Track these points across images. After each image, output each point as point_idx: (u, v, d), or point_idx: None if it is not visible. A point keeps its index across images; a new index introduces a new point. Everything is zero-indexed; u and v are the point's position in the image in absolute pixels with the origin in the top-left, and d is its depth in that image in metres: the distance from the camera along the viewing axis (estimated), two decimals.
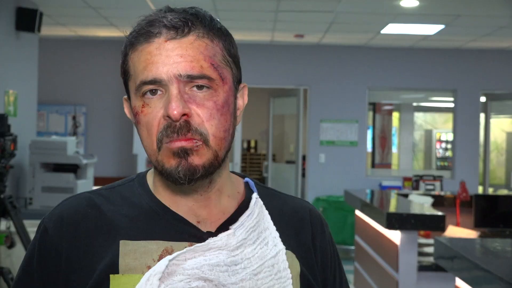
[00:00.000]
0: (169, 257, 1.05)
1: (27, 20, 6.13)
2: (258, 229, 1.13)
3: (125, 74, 1.12)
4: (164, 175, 1.08)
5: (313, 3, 6.78)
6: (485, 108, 10.32)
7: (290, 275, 1.12)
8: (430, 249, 3.82)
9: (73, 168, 6.01)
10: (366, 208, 4.15)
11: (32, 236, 4.87)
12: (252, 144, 14.85)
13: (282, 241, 1.14)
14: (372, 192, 5.00)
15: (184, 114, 1.04)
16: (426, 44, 9.18)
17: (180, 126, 1.04)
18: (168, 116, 1.04)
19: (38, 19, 6.20)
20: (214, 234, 1.10)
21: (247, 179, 1.22)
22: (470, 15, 7.16)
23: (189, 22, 1.08)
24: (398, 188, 8.89)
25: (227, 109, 1.09)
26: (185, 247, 1.08)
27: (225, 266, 1.07)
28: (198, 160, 1.06)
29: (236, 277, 1.07)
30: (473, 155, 9.64)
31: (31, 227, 5.25)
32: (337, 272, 1.25)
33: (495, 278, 1.88)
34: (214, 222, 1.13)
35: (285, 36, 8.73)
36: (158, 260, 1.06)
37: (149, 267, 1.06)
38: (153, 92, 1.07)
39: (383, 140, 12.12)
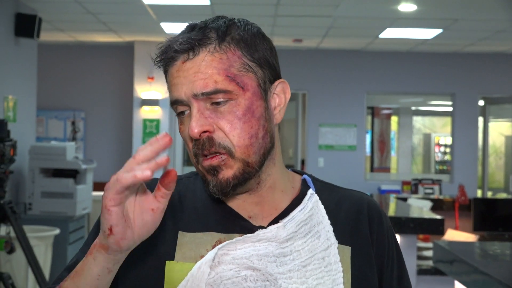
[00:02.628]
0: (219, 246, 1.10)
1: (26, 26, 6.14)
2: (311, 223, 1.17)
3: None
4: (205, 186, 1.15)
5: (311, 8, 6.80)
6: (483, 111, 10.34)
7: (341, 268, 1.15)
8: (429, 253, 3.83)
9: (73, 174, 6.01)
10: None
11: (31, 241, 4.88)
12: None
13: (337, 235, 1.17)
14: (371, 196, 5.00)
15: (205, 131, 1.10)
16: (424, 48, 9.20)
17: (203, 143, 1.10)
18: (190, 135, 1.10)
19: (37, 25, 6.21)
20: (266, 228, 1.14)
21: (305, 176, 1.26)
22: (468, 19, 7.18)
23: (196, 42, 1.11)
24: (397, 192, 8.89)
25: (250, 115, 1.11)
26: (229, 240, 1.12)
27: (273, 257, 1.11)
28: (227, 173, 1.11)
29: (284, 267, 1.11)
30: (471, 158, 9.65)
31: (31, 232, 5.25)
32: (395, 265, 1.25)
33: (494, 282, 1.89)
34: (266, 218, 1.17)
35: (283, 41, 8.75)
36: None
37: (202, 257, 1.11)
38: (183, 112, 1.13)
39: (381, 144, 12.14)
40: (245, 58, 1.13)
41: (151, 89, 8.94)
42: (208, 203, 1.18)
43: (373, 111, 11.99)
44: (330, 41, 8.75)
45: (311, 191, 1.21)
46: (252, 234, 1.12)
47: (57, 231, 5.56)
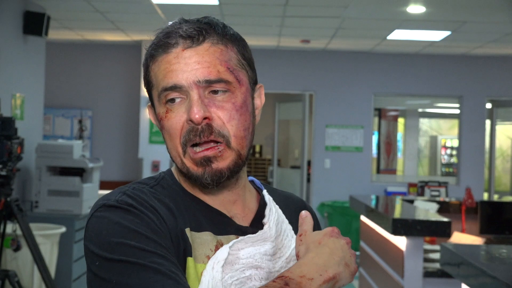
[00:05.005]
0: (228, 245, 1.12)
1: (34, 24, 6.16)
2: (280, 222, 1.23)
3: (148, 84, 1.19)
4: (191, 179, 1.14)
5: (319, 9, 6.79)
6: (490, 114, 10.31)
7: None
8: (436, 255, 3.82)
9: (79, 172, 6.02)
10: (371, 214, 4.15)
11: (37, 239, 4.88)
12: (257, 149, 14.85)
13: (294, 231, 1.24)
14: (377, 198, 4.99)
15: (205, 118, 1.10)
16: (432, 50, 9.18)
17: (202, 129, 1.11)
18: (191, 120, 1.10)
19: (46, 23, 6.23)
20: (253, 228, 1.18)
21: (251, 177, 1.30)
22: (476, 21, 7.16)
23: (203, 31, 1.14)
24: (403, 194, 8.88)
25: (245, 109, 1.16)
26: (233, 240, 1.14)
27: (270, 256, 1.16)
28: (222, 164, 1.13)
29: (278, 264, 1.17)
30: (478, 161, 9.63)
31: (37, 230, 5.26)
32: None
33: (502, 284, 1.88)
34: (245, 217, 1.21)
35: (291, 42, 8.75)
36: (215, 251, 1.12)
37: (207, 257, 1.12)
38: (174, 99, 1.13)
39: (388, 145, 12.11)
40: (240, 55, 1.18)
41: None
42: (191, 206, 1.16)
43: (380, 113, 11.97)
44: (338, 42, 8.74)
45: (265, 193, 1.25)
46: (253, 235, 1.15)
47: (63, 229, 5.57)
